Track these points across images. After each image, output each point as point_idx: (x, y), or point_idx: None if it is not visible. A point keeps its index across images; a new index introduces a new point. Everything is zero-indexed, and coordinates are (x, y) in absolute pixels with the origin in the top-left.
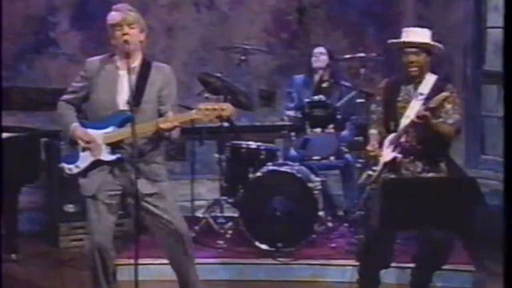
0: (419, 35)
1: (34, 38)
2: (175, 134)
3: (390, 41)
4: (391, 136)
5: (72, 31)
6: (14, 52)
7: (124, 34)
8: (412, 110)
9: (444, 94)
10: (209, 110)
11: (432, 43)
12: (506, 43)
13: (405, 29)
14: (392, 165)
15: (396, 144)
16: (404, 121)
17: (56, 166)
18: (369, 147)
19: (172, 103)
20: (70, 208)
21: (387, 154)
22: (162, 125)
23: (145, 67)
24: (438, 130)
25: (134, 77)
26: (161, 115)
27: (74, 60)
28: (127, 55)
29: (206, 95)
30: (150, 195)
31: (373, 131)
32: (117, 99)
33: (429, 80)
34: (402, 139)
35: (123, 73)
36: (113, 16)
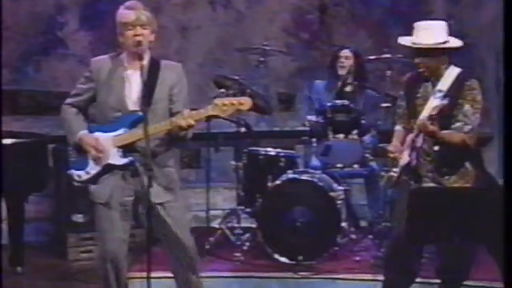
0: (429, 32)
1: (42, 38)
2: (190, 133)
3: (399, 41)
4: (410, 136)
5: (82, 31)
6: (21, 53)
7: (136, 35)
8: (429, 109)
9: (443, 103)
10: (227, 105)
11: (444, 43)
12: (506, 43)
13: (416, 24)
14: (409, 168)
15: (412, 146)
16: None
17: (64, 174)
18: (391, 147)
19: (184, 102)
20: (79, 218)
21: (405, 156)
22: (179, 122)
23: (154, 65)
24: (449, 141)
25: (143, 76)
26: (172, 114)
27: (84, 61)
28: (140, 57)
29: (222, 90)
30: (162, 203)
31: (398, 127)
32: (125, 100)
33: (451, 74)
34: (419, 140)
35: (131, 72)
36: (126, 15)
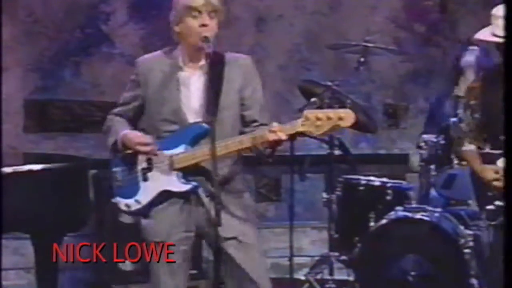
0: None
1: (81, 34)
2: (275, 154)
3: (477, 36)
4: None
5: (132, 24)
6: (54, 53)
7: (203, 26)
8: None
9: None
10: (321, 119)
11: None
12: (506, 43)
13: (495, 12)
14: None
15: None
16: None
17: (108, 207)
18: (491, 173)
19: (261, 106)
20: (126, 265)
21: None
22: (266, 136)
23: (217, 62)
24: None
25: (203, 77)
26: (246, 124)
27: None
28: (207, 56)
29: (313, 99)
30: (232, 238)
31: (470, 148)
32: (183, 108)
33: None
34: None
35: (188, 73)
36: None
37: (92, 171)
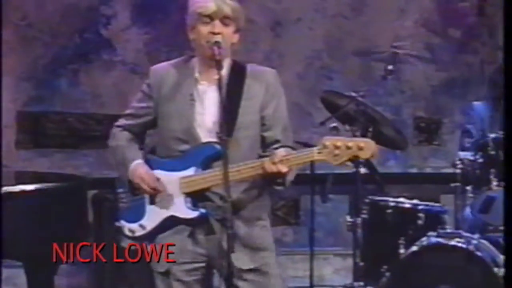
0: None
1: (79, 39)
2: (291, 176)
3: None
4: None
5: (135, 28)
6: (50, 61)
7: (214, 33)
8: None
9: None
10: (340, 148)
11: None
12: (506, 42)
13: None
14: None
15: None
16: None
17: (109, 230)
18: None
19: (284, 126)
20: None
21: None
22: (267, 168)
23: (237, 74)
24: None
25: (221, 91)
26: (266, 145)
27: (138, 71)
28: (218, 64)
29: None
30: (249, 271)
31: None
32: (196, 126)
33: None
34: None
35: (204, 86)
36: (203, 3)
37: (92, 192)
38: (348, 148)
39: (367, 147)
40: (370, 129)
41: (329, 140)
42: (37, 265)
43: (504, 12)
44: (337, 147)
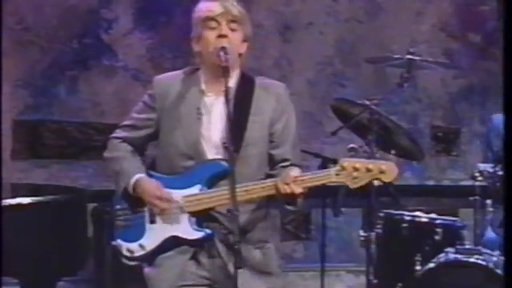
0: None
1: (79, 44)
2: (301, 200)
3: None
4: None
5: (137, 33)
6: (48, 67)
7: (221, 36)
8: None
9: None
10: (359, 170)
11: None
12: (506, 42)
13: None
14: None
15: None
16: None
17: (109, 247)
18: None
19: (293, 143)
20: None
21: None
22: (280, 188)
23: (246, 87)
24: None
25: (228, 104)
26: (275, 162)
27: (140, 77)
28: (225, 71)
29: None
30: None
31: None
32: (201, 141)
33: None
34: None
35: (211, 99)
36: (209, 7)
37: (91, 205)
38: (369, 170)
39: (389, 169)
40: (383, 139)
41: (348, 162)
42: (34, 282)
43: (504, 12)
44: (356, 169)
